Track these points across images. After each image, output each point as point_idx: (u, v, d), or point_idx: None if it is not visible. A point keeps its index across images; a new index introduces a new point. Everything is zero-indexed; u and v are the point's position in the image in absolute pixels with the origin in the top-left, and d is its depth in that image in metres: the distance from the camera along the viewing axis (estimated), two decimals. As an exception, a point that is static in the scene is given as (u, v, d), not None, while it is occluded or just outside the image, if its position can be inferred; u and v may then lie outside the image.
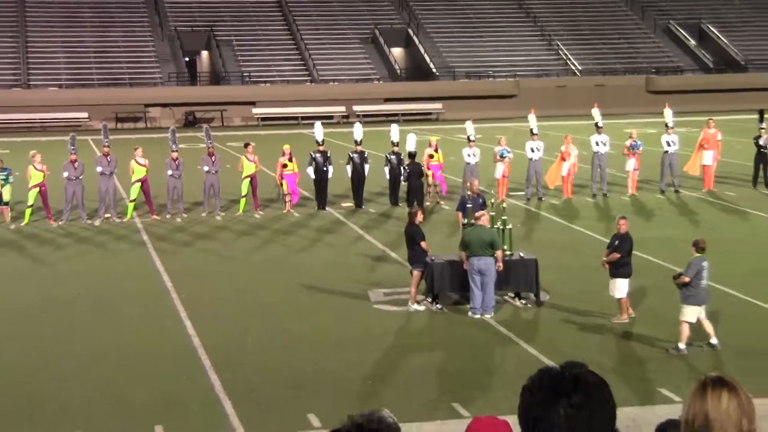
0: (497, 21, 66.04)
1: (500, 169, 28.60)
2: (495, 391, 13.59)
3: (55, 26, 60.83)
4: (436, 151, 29.22)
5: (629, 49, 64.91)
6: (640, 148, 29.62)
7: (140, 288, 19.93)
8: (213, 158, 27.75)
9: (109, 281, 20.51)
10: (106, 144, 27.86)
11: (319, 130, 29.29)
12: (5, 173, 26.68)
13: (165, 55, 60.40)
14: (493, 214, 18.81)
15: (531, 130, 29.70)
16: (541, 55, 64.02)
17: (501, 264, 17.38)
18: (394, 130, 29.44)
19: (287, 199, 28.04)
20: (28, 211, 26.69)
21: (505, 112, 53.87)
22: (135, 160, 27.20)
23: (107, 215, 27.06)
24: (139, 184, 27.11)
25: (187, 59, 62.08)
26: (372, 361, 15.29)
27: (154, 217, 27.18)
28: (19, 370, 15.04)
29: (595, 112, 30.61)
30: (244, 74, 59.07)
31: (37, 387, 14.30)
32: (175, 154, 27.57)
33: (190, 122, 55.26)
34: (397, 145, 28.72)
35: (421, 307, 17.86)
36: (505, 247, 17.96)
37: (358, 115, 51.80)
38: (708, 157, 30.42)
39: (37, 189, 26.58)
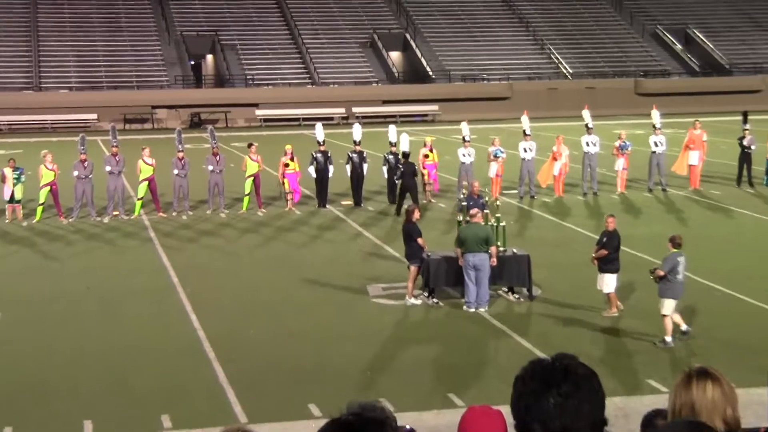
0: (491, 26, 66.02)
1: (494, 169, 28.62)
2: (489, 382, 13.59)
3: (65, 31, 60.80)
4: (431, 150, 29.27)
5: (618, 53, 64.90)
6: (629, 149, 29.65)
7: (147, 283, 19.93)
8: (217, 158, 27.75)
9: (117, 276, 20.51)
10: (115, 144, 27.86)
11: (320, 131, 29.29)
12: (18, 172, 26.68)
13: (171, 59, 60.37)
14: (487, 212, 18.85)
15: (524, 131, 29.71)
16: (534, 58, 64.00)
17: (495, 259, 17.42)
18: (392, 131, 29.45)
19: (289, 197, 28.05)
20: (39, 209, 26.69)
21: (498, 114, 53.88)
22: (142, 159, 27.20)
23: (116, 213, 27.07)
24: (147, 182, 27.11)
25: (192, 63, 62.07)
26: (370, 353, 15.30)
27: (161, 214, 27.18)
28: (29, 361, 15.05)
29: (586, 114, 30.63)
30: (248, 77, 59.05)
31: (46, 377, 14.30)
32: (181, 154, 27.56)
33: (196, 123, 55.22)
34: (395, 145, 28.74)
35: (418, 302, 17.87)
36: (499, 243, 17.97)
37: (357, 117, 51.76)
38: (694, 157, 30.43)
39: (49, 187, 26.57)
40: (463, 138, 29.26)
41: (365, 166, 28.56)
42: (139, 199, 27.36)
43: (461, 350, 15.42)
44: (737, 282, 18.86)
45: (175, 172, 27.32)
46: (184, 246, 23.69)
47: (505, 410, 3.50)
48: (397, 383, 13.79)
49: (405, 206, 22.15)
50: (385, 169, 28.54)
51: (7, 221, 26.47)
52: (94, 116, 54.08)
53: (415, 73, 61.94)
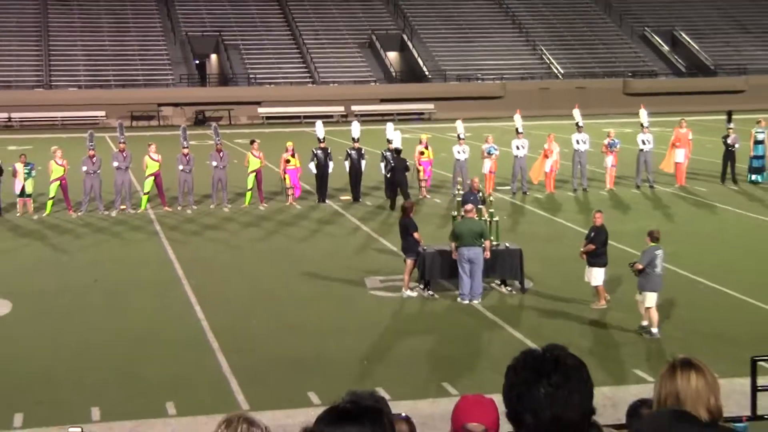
0: (485, 28, 65.92)
1: (487, 165, 28.63)
2: (482, 372, 13.62)
3: (75, 32, 60.68)
4: (426, 147, 29.28)
5: (608, 54, 64.83)
6: (618, 146, 29.67)
7: (153, 275, 19.93)
8: (221, 154, 27.74)
9: (124, 268, 20.50)
10: (122, 141, 27.84)
11: (320, 128, 29.28)
12: (29, 167, 26.65)
13: (177, 58, 60.27)
14: (482, 207, 18.86)
15: (516, 129, 29.71)
16: (526, 59, 63.94)
17: (488, 253, 17.44)
18: (390, 129, 29.44)
19: (290, 192, 28.05)
20: (49, 203, 26.68)
21: (492, 113, 53.81)
22: (149, 155, 27.19)
23: (123, 207, 27.07)
24: (153, 177, 27.10)
25: (197, 62, 61.96)
26: (368, 343, 15.31)
27: (166, 208, 27.17)
28: (39, 350, 15.06)
29: (576, 113, 30.61)
30: (250, 76, 58.97)
31: (55, 365, 14.32)
32: (186, 150, 27.55)
33: (200, 121, 55.14)
34: (392, 142, 28.73)
35: (414, 294, 17.89)
36: (492, 237, 17.99)
37: (356, 115, 51.72)
38: (680, 155, 30.44)
39: (58, 182, 26.57)
40: (458, 135, 29.25)
41: (363, 163, 28.55)
42: (145, 194, 27.35)
43: (455, 341, 15.43)
44: (721, 275, 18.89)
45: (180, 167, 27.31)
46: (189, 239, 23.69)
47: (498, 399, 3.51)
48: (394, 373, 13.80)
49: (401, 202, 22.13)
50: (382, 165, 28.53)
51: (18, 215, 26.46)
52: (103, 113, 53.99)
53: (411, 73, 61.86)
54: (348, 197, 28.50)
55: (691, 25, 67.97)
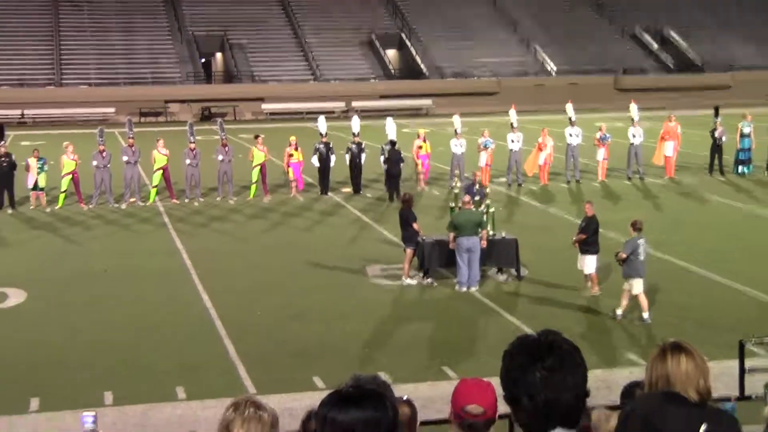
0: (481, 27, 65.78)
1: (484, 158, 28.61)
2: (479, 356, 13.62)
3: (85, 32, 60.58)
4: (424, 141, 29.26)
5: (599, 51, 64.69)
6: (609, 140, 29.66)
7: (162, 265, 19.93)
8: (226, 148, 27.72)
9: (134, 258, 20.50)
10: (131, 136, 27.81)
11: (322, 123, 29.24)
12: (41, 162, 26.65)
13: (183, 57, 60.18)
14: (477, 198, 18.84)
15: (511, 123, 29.69)
16: (521, 57, 63.83)
17: (485, 242, 17.45)
18: (389, 124, 29.41)
19: (293, 185, 28.04)
20: (61, 196, 26.68)
21: (488, 108, 53.70)
22: (157, 150, 27.18)
23: (132, 200, 27.06)
24: (161, 171, 27.09)
25: (203, 60, 61.86)
26: (370, 329, 15.31)
27: (174, 201, 27.16)
28: (52, 337, 15.06)
29: (569, 108, 30.61)
30: (254, 74, 58.89)
31: (68, 352, 14.33)
32: (192, 145, 27.52)
33: (206, 116, 55.05)
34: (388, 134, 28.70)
35: (414, 282, 17.90)
36: (489, 227, 17.98)
37: (356, 110, 51.67)
38: (669, 148, 30.43)
39: (70, 176, 26.55)
40: (455, 130, 29.24)
41: (363, 156, 28.53)
42: (153, 187, 27.34)
43: (454, 327, 15.44)
44: (709, 263, 18.90)
45: (187, 161, 27.30)
46: (196, 230, 23.68)
47: (495, 382, 3.50)
48: (395, 357, 13.81)
49: (402, 193, 22.11)
50: (382, 159, 28.49)
51: (31, 208, 26.47)
52: (112, 110, 53.89)
53: (410, 70, 61.78)
54: (349, 189, 28.49)
55: (680, 23, 67.86)
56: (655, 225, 21.35)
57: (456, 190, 20.18)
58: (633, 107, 30.75)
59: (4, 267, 19.89)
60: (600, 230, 17.04)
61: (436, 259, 18.08)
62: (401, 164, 27.65)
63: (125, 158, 26.98)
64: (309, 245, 21.53)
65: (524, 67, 62.45)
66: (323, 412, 3.12)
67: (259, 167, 27.70)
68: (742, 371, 10.47)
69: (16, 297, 17.43)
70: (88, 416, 6.18)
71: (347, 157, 28.60)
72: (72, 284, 18.38)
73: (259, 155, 27.74)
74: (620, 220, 22.20)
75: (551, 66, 62.57)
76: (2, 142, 27.35)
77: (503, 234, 18.55)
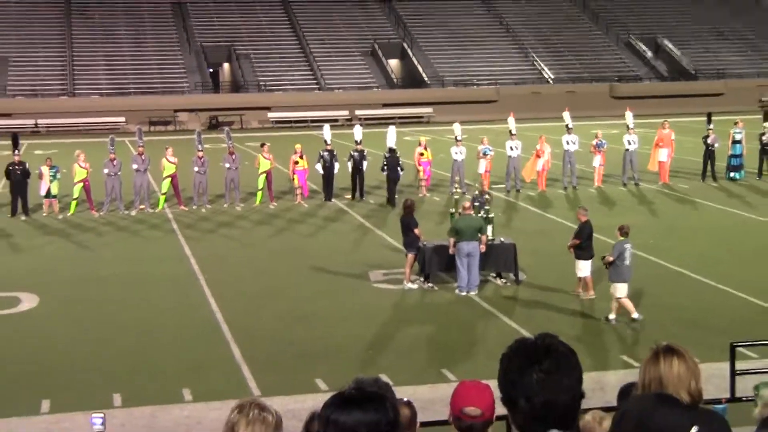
0: (480, 36, 65.86)
1: (483, 165, 28.61)
2: (478, 359, 13.60)
3: (96, 42, 60.70)
4: (425, 149, 29.26)
5: (595, 60, 64.76)
6: (605, 147, 29.66)
7: (170, 270, 19.93)
8: (233, 156, 27.73)
9: (143, 264, 20.50)
10: (141, 144, 27.84)
11: (327, 132, 29.25)
12: (54, 170, 26.68)
13: (192, 67, 60.27)
14: (477, 204, 18.83)
15: (510, 130, 29.69)
16: (519, 65, 63.88)
17: (484, 246, 17.44)
18: (391, 132, 29.41)
19: (298, 191, 28.04)
20: (73, 203, 26.71)
21: (487, 116, 53.70)
22: (166, 158, 27.20)
23: (142, 206, 27.07)
24: (170, 179, 27.11)
25: (211, 70, 61.94)
26: (372, 333, 15.29)
27: (183, 208, 27.17)
28: (64, 340, 15.06)
29: (566, 115, 30.60)
30: (261, 83, 58.96)
31: (79, 354, 14.32)
32: (200, 153, 27.54)
33: (214, 125, 55.10)
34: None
35: (415, 286, 17.89)
36: (488, 232, 17.97)
37: (359, 119, 51.69)
38: (663, 154, 30.42)
39: (81, 184, 26.57)
40: (456, 137, 29.24)
41: (365, 164, 28.54)
42: (162, 194, 27.36)
43: (454, 330, 15.42)
44: (702, 267, 18.87)
45: (196, 169, 27.32)
46: (204, 236, 23.68)
47: (494, 385, 3.50)
48: (396, 360, 13.80)
49: (402, 200, 22.09)
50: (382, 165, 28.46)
51: (44, 214, 26.50)
52: (123, 119, 53.97)
53: (412, 79, 61.83)
54: (349, 196, 28.46)
55: (673, 32, 67.91)
56: (649, 229, 21.35)
57: (456, 196, 20.17)
58: (628, 114, 30.73)
59: (18, 272, 19.91)
60: (594, 235, 17.01)
61: (437, 264, 18.07)
62: (399, 170, 27.65)
63: (135, 166, 27.00)
64: (313, 250, 21.52)
65: (522, 76, 62.47)
66: (326, 413, 3.12)
67: (265, 174, 27.71)
68: (733, 373, 10.45)
69: (29, 301, 17.43)
70: (97, 417, 6.19)
71: (350, 164, 28.60)
72: (83, 288, 18.38)
73: (265, 163, 27.75)
74: (615, 225, 22.13)
75: (548, 74, 62.59)
76: (16, 151, 27.35)
77: (502, 239, 18.54)
